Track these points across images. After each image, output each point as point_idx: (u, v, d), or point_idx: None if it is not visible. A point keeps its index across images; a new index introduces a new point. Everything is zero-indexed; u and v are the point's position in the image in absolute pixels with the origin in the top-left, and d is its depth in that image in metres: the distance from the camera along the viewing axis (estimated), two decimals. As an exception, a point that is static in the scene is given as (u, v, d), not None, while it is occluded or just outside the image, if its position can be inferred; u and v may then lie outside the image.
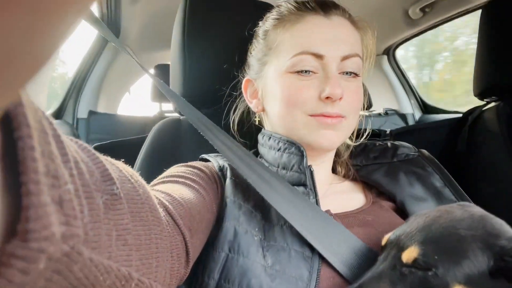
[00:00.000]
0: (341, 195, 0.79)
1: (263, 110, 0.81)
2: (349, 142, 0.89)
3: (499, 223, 0.53)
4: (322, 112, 0.70)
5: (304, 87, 0.70)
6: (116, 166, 0.32)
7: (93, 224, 0.25)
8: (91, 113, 1.76)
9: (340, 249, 0.61)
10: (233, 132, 0.88)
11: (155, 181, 0.63)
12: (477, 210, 0.56)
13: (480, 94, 1.26)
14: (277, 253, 0.60)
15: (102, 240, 0.26)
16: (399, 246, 0.54)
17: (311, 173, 0.70)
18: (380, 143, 0.90)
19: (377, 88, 2.47)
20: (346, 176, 0.87)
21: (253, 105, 0.82)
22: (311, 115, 0.71)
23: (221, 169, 0.73)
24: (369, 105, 0.95)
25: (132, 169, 0.36)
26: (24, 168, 0.19)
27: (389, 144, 0.89)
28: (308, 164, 0.72)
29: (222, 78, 0.90)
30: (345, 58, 0.71)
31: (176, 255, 0.44)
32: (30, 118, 0.20)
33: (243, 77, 0.84)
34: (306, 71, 0.70)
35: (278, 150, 0.74)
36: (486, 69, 1.23)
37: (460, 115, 1.34)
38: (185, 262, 0.48)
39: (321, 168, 0.81)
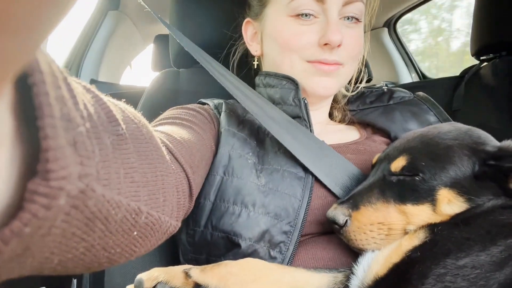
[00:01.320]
0: (336, 133, 0.81)
1: (262, 54, 0.82)
2: (345, 92, 0.90)
3: (485, 134, 0.55)
4: (319, 58, 0.71)
5: (304, 32, 0.71)
6: (119, 107, 0.33)
7: (103, 163, 0.26)
8: (93, 81, 1.77)
9: (333, 171, 0.63)
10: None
11: (152, 123, 0.64)
12: (464, 125, 0.57)
13: (477, 53, 1.27)
14: (270, 174, 0.62)
15: (111, 178, 0.27)
16: (388, 159, 0.56)
17: (305, 105, 0.72)
18: (377, 89, 0.91)
19: (377, 61, 2.46)
20: (342, 121, 0.89)
21: (252, 48, 0.83)
22: (309, 61, 0.72)
23: (216, 106, 0.75)
24: (369, 78, 0.96)
25: (134, 110, 0.37)
26: (41, 113, 0.20)
27: (385, 89, 0.90)
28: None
29: (223, 22, 0.91)
30: (347, 3, 0.70)
31: (182, 191, 0.45)
32: (42, 64, 0.20)
33: (243, 18, 0.84)
34: (306, 15, 0.70)
35: (273, 86, 0.76)
36: (483, 28, 1.24)
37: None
38: (189, 197, 0.49)
39: (318, 113, 0.82)
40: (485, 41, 1.23)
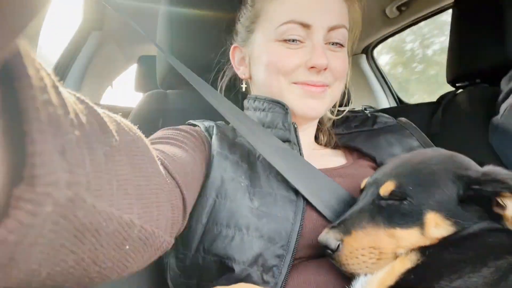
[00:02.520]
0: (324, 157, 0.82)
1: (250, 77, 0.84)
2: (330, 115, 0.92)
3: (467, 160, 0.57)
4: (306, 80, 0.73)
5: (291, 55, 0.73)
6: (114, 119, 0.33)
7: (94, 174, 0.26)
8: (74, 102, 1.74)
9: (323, 195, 0.64)
10: None
11: None
12: (447, 151, 0.60)
13: (453, 81, 1.33)
14: (263, 197, 0.63)
15: (103, 189, 0.27)
16: (377, 184, 0.58)
17: (295, 129, 0.74)
18: (361, 114, 0.94)
19: (355, 86, 2.54)
20: (328, 145, 0.91)
21: (240, 71, 0.85)
22: (296, 83, 0.74)
23: (207, 129, 0.75)
24: (347, 102, 1.00)
25: (130, 123, 0.37)
26: (27, 117, 0.19)
27: (369, 114, 0.93)
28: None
29: (211, 46, 0.93)
30: (332, 28, 0.74)
31: (176, 206, 0.45)
32: (30, 68, 0.20)
33: (231, 44, 0.87)
34: (293, 40, 0.73)
35: (263, 110, 0.77)
36: (458, 57, 1.30)
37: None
38: (183, 213, 0.49)
39: (305, 135, 0.84)
40: (460, 69, 1.29)
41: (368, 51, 2.44)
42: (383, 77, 2.50)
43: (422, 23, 2.07)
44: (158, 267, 0.68)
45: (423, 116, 1.37)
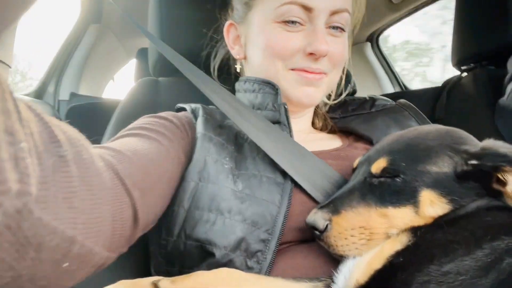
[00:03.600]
0: (318, 141, 0.79)
1: (245, 57, 0.80)
2: (326, 100, 0.89)
3: (466, 134, 0.53)
4: (303, 66, 0.70)
5: (289, 38, 0.69)
6: (61, 128, 0.31)
7: (41, 185, 0.25)
8: (73, 95, 1.74)
9: (314, 176, 0.61)
10: (213, 78, 0.87)
11: (118, 133, 0.61)
12: (444, 126, 0.56)
13: (458, 63, 1.28)
14: (248, 179, 0.60)
15: (49, 201, 0.26)
16: (369, 161, 0.54)
17: (285, 110, 0.70)
18: (359, 98, 0.90)
19: (360, 75, 2.49)
20: (323, 129, 0.87)
21: (234, 51, 0.81)
22: (293, 69, 0.71)
23: (193, 110, 0.72)
24: (353, 92, 0.96)
25: (77, 132, 0.35)
26: None
27: (367, 97, 0.89)
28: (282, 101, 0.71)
29: (204, 21, 0.89)
30: (334, 12, 0.69)
31: (120, 219, 0.42)
32: None
33: (226, 20, 0.82)
34: (293, 22, 0.69)
35: (253, 91, 0.74)
36: (463, 38, 1.26)
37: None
38: (132, 224, 0.46)
39: (301, 121, 0.81)
40: (466, 51, 1.24)
41: (373, 39, 2.38)
42: (388, 65, 2.45)
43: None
44: (141, 256, 0.65)
45: (427, 101, 1.32)
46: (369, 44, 2.41)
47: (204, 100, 0.73)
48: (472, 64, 1.24)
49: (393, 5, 2.04)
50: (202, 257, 0.55)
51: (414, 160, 0.50)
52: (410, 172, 0.49)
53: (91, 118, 1.08)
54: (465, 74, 1.27)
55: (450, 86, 1.26)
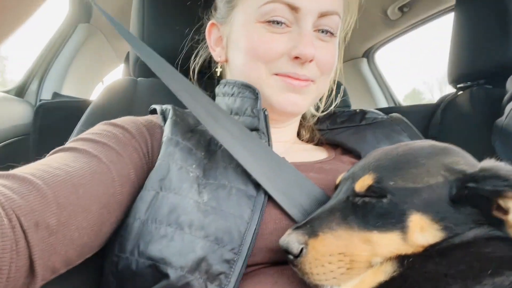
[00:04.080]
0: (301, 152, 0.73)
1: (226, 60, 0.74)
2: (314, 112, 0.83)
3: (462, 152, 0.47)
4: (288, 72, 0.64)
5: (273, 40, 0.64)
6: None
7: None
8: (56, 95, 1.66)
9: (291, 190, 0.54)
10: (192, 81, 0.81)
11: (68, 142, 0.56)
12: (439, 143, 0.50)
13: (454, 81, 1.24)
14: (215, 190, 0.53)
15: None
16: (353, 178, 0.48)
17: (265, 117, 0.64)
18: (349, 110, 0.85)
19: (355, 91, 2.45)
20: (310, 141, 0.81)
21: (216, 53, 0.75)
22: (277, 74, 0.65)
23: (163, 112, 0.66)
24: (346, 106, 0.92)
25: None
26: None
27: (357, 110, 0.84)
28: (262, 108, 0.65)
29: (185, 21, 0.83)
30: (323, 14, 0.64)
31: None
32: None
33: (208, 20, 0.77)
34: (278, 22, 0.63)
35: (231, 95, 0.68)
36: (460, 56, 1.22)
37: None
38: (26, 275, 0.40)
39: (285, 131, 0.75)
40: (463, 69, 1.21)
41: (369, 55, 2.35)
42: (384, 82, 2.41)
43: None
44: (93, 273, 0.58)
45: (421, 118, 1.28)
46: (365, 60, 2.37)
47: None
48: (468, 82, 1.20)
49: (390, 21, 2.02)
50: (155, 278, 0.48)
51: (404, 179, 0.44)
52: (399, 192, 0.43)
53: (63, 117, 1.01)
54: (461, 92, 1.22)
55: (445, 103, 1.21)
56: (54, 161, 0.48)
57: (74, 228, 0.45)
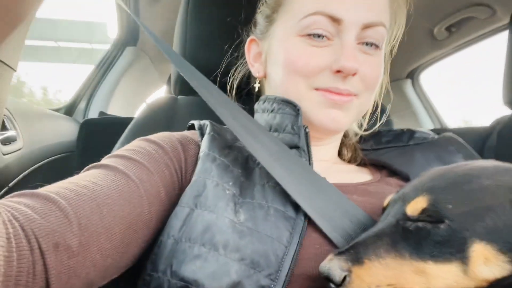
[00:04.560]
0: (343, 173, 0.69)
1: (265, 76, 0.73)
2: (357, 130, 0.79)
3: (532, 174, 0.42)
4: (330, 86, 0.61)
5: (314, 54, 0.61)
6: None
7: None
8: (102, 114, 1.74)
9: (333, 213, 0.50)
10: (230, 97, 0.80)
11: (104, 158, 0.56)
12: (505, 163, 0.44)
13: (510, 101, 1.16)
14: (252, 210, 0.50)
15: None
16: (403, 200, 0.44)
17: (306, 134, 0.61)
18: (395, 129, 0.80)
19: (399, 114, 2.36)
20: (352, 161, 0.77)
21: (254, 68, 0.74)
22: (317, 89, 0.62)
23: (201, 127, 0.64)
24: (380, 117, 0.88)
25: None
26: None
27: (405, 129, 0.78)
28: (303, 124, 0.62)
29: (226, 38, 0.83)
30: (367, 26, 0.61)
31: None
32: None
33: (248, 36, 0.76)
34: (319, 36, 0.61)
35: (271, 111, 0.65)
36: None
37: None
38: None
39: (325, 149, 0.71)
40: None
41: (413, 76, 2.27)
42: (430, 106, 2.31)
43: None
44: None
45: (474, 142, 1.18)
46: (409, 81, 2.29)
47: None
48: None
49: (437, 41, 1.94)
50: None
51: (464, 202, 0.39)
52: (458, 217, 0.38)
53: (106, 134, 1.04)
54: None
55: (501, 126, 1.12)
56: (83, 179, 0.47)
57: (96, 249, 0.43)
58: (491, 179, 0.40)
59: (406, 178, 0.65)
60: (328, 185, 0.54)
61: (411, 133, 0.75)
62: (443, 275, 0.37)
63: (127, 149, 0.57)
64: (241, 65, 0.81)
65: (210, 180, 0.53)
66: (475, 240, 0.37)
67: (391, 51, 0.76)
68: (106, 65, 1.86)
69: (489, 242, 0.36)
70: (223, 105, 0.62)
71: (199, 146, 0.60)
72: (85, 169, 0.53)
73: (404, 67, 2.20)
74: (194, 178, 0.54)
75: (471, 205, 0.38)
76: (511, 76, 1.16)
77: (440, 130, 1.80)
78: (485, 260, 0.36)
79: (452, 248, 0.37)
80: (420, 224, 0.40)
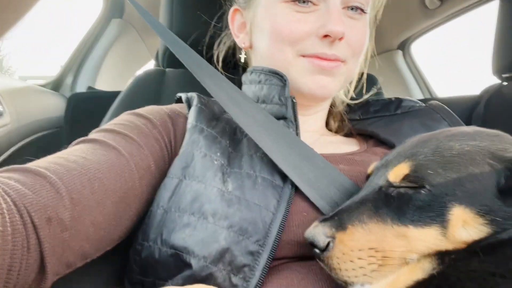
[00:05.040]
0: (331, 144, 0.69)
1: (251, 46, 0.72)
2: (344, 98, 0.79)
3: (511, 138, 0.42)
4: (317, 52, 0.61)
5: (300, 20, 0.61)
6: None
7: None
8: (90, 89, 1.70)
9: (320, 182, 0.51)
10: (216, 69, 0.79)
11: (91, 133, 0.56)
12: (489, 130, 0.45)
13: (499, 71, 1.16)
14: (240, 179, 0.51)
15: None
16: (387, 167, 0.44)
17: (293, 104, 0.61)
18: (383, 98, 0.80)
19: (389, 85, 2.35)
20: (339, 131, 0.77)
21: (239, 39, 0.73)
22: (305, 56, 0.62)
23: (188, 100, 0.64)
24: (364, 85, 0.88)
25: None
26: None
27: (393, 98, 0.79)
28: (290, 96, 0.62)
29: (212, 10, 0.81)
30: None
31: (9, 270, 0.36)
32: None
33: (231, 6, 0.74)
34: (304, 1, 0.60)
35: (258, 82, 0.65)
36: (506, 46, 1.14)
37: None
38: (36, 272, 0.39)
39: (313, 119, 0.71)
40: (509, 59, 1.12)
41: (404, 47, 2.25)
42: (421, 76, 2.31)
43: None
44: (121, 261, 0.57)
45: (462, 110, 1.20)
46: (400, 52, 2.28)
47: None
48: (515, 72, 1.12)
49: (428, 11, 1.92)
50: (178, 268, 0.46)
51: (445, 167, 0.40)
52: (439, 182, 0.39)
53: (94, 108, 1.03)
54: (506, 83, 1.14)
55: (489, 95, 1.13)
56: (72, 154, 0.47)
57: (89, 223, 0.44)
58: (471, 144, 0.41)
59: (392, 147, 0.65)
60: (315, 155, 0.54)
61: (398, 102, 0.75)
62: (423, 238, 0.38)
63: (116, 123, 0.57)
64: (226, 37, 0.80)
65: (198, 151, 0.53)
66: (455, 204, 0.38)
67: (376, 16, 0.76)
68: (92, 38, 1.81)
69: (468, 206, 0.37)
70: (210, 77, 0.61)
71: (187, 119, 0.60)
72: (73, 143, 0.53)
73: (395, 38, 2.18)
74: (182, 150, 0.54)
75: (451, 170, 0.39)
76: (501, 46, 1.16)
77: (428, 100, 1.81)
78: (463, 223, 0.37)
79: (432, 213, 0.38)
80: (402, 190, 0.41)
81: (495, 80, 1.20)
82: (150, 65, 2.35)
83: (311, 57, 0.61)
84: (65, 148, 0.52)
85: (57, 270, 0.41)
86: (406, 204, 0.40)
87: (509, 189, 0.37)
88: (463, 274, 0.32)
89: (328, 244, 0.41)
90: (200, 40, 0.82)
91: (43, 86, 1.63)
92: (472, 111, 1.15)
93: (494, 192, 0.38)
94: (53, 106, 1.47)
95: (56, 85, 1.68)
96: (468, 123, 1.17)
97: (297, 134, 0.59)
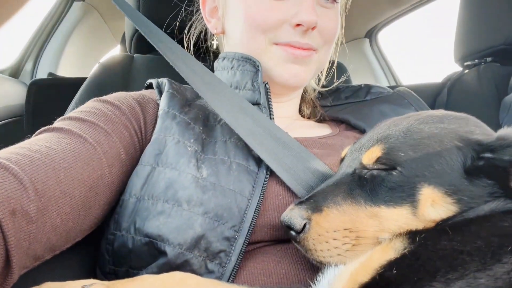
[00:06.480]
0: (304, 128, 0.70)
1: (223, 32, 0.71)
2: (315, 85, 0.80)
3: (477, 121, 0.45)
4: (290, 41, 0.61)
5: (273, 7, 0.60)
6: None
7: None
8: (51, 75, 1.62)
9: (294, 166, 0.52)
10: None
11: (57, 120, 0.53)
12: (456, 113, 0.47)
13: (461, 59, 1.21)
14: (215, 165, 0.50)
15: None
16: (360, 150, 0.45)
17: (267, 90, 0.61)
18: (353, 85, 0.82)
19: (357, 72, 2.40)
20: (312, 117, 0.78)
21: (211, 25, 0.71)
22: (278, 44, 0.62)
23: (159, 85, 0.63)
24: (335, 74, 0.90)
25: None
26: None
27: (362, 85, 0.80)
28: (263, 81, 0.62)
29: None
30: None
31: None
32: None
33: None
34: None
35: (231, 68, 0.64)
36: (468, 35, 1.19)
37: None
38: (2, 258, 0.36)
39: (286, 106, 0.72)
40: (470, 47, 1.17)
41: (371, 35, 2.29)
42: (387, 64, 2.36)
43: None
44: (91, 252, 0.56)
45: (426, 97, 1.24)
46: (367, 40, 2.32)
47: (182, 79, 0.64)
48: (476, 60, 1.17)
49: (394, -1, 1.96)
50: (153, 256, 0.46)
51: (415, 149, 0.41)
52: (409, 164, 0.40)
53: (57, 96, 0.98)
54: (467, 70, 1.19)
55: (452, 82, 1.18)
56: (36, 144, 0.45)
57: (56, 214, 0.42)
58: (440, 127, 0.42)
59: (363, 132, 0.67)
60: (290, 139, 0.55)
61: (368, 88, 0.77)
62: (395, 218, 0.40)
63: (82, 110, 0.54)
64: (196, 21, 0.78)
65: (171, 138, 0.52)
66: (424, 184, 0.39)
67: (346, 5, 0.76)
68: (52, 22, 1.72)
69: (436, 186, 0.39)
70: (183, 60, 0.60)
71: (158, 105, 0.59)
72: (36, 132, 0.51)
73: (363, 26, 2.22)
74: (154, 136, 0.53)
75: (421, 152, 0.41)
76: (463, 34, 1.21)
77: (395, 87, 1.87)
78: (432, 202, 0.39)
79: (403, 193, 0.40)
80: (375, 172, 0.42)
81: (457, 68, 1.25)
82: (116, 50, 2.27)
83: (284, 45, 0.61)
84: (28, 138, 0.50)
85: (24, 263, 0.40)
86: (378, 185, 0.41)
87: (475, 170, 0.39)
88: (433, 253, 0.34)
89: (304, 226, 0.42)
90: (170, 24, 0.79)
91: (0, 72, 1.54)
92: (436, 97, 1.20)
93: (461, 173, 0.39)
94: (13, 94, 1.39)
95: (14, 72, 1.59)
96: (432, 108, 1.21)
97: (271, 119, 0.59)
